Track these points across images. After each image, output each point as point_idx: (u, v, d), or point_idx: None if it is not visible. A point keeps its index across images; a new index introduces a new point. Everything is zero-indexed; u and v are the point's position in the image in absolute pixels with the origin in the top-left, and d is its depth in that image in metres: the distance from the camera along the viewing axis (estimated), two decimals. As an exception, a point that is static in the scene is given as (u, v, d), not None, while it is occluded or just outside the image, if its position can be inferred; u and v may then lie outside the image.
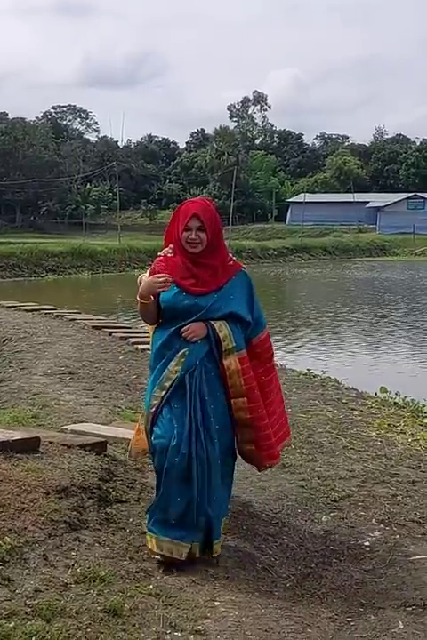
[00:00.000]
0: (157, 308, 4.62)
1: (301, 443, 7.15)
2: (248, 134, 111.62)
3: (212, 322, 4.49)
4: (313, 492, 5.91)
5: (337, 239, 68.25)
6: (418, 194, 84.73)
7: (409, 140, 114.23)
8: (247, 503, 5.65)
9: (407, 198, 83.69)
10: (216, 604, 4.17)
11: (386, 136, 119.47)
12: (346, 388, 10.38)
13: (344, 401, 9.39)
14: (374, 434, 7.74)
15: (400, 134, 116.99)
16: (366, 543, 5.07)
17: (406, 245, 68.63)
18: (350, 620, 4.11)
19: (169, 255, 4.64)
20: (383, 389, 10.34)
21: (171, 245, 4.67)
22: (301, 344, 18.56)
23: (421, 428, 8.30)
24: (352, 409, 8.94)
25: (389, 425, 8.16)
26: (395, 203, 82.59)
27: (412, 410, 9.37)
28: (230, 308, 4.52)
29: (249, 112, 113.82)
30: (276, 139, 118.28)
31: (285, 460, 6.52)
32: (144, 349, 12.26)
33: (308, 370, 11.87)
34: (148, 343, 13.20)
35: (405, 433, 7.90)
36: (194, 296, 4.49)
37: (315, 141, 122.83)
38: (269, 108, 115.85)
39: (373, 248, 66.84)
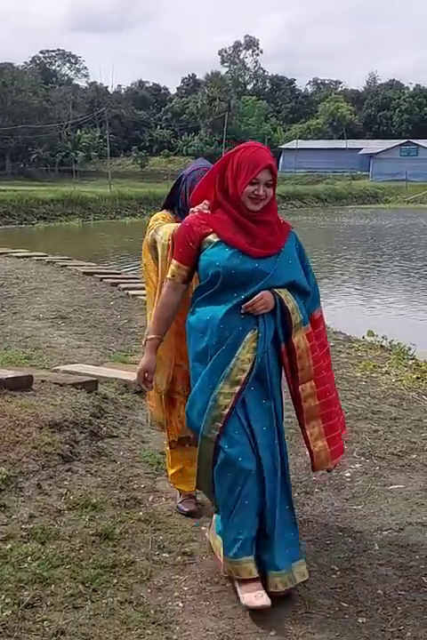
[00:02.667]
0: (187, 278, 3.83)
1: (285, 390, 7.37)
2: (240, 79, 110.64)
3: (276, 290, 3.67)
4: (298, 427, 6.12)
5: (330, 186, 68.21)
6: (411, 140, 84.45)
7: (403, 85, 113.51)
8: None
9: (400, 145, 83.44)
10: (203, 529, 4.42)
11: (379, 82, 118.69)
12: (334, 332, 10.60)
13: (332, 344, 9.58)
14: (359, 374, 7.99)
15: (394, 80, 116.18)
16: (348, 474, 5.33)
17: (398, 193, 68.64)
18: (328, 542, 4.37)
19: (205, 210, 3.82)
20: (371, 333, 10.58)
21: (205, 202, 3.85)
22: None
23: (405, 368, 8.55)
24: (339, 351, 9.19)
25: (374, 366, 8.41)
26: (388, 150, 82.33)
27: (397, 352, 9.60)
28: (292, 276, 3.72)
29: (241, 57, 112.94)
30: (268, 84, 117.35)
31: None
32: (135, 295, 12.48)
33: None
34: (141, 288, 13.44)
35: (389, 373, 8.15)
36: (254, 259, 3.63)
37: (308, 87, 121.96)
38: (261, 52, 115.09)
39: (365, 195, 66.84)
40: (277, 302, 3.65)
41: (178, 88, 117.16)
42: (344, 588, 3.88)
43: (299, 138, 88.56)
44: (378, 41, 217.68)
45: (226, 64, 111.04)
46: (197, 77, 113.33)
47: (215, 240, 3.67)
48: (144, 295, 12.44)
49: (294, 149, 79.85)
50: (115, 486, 4.82)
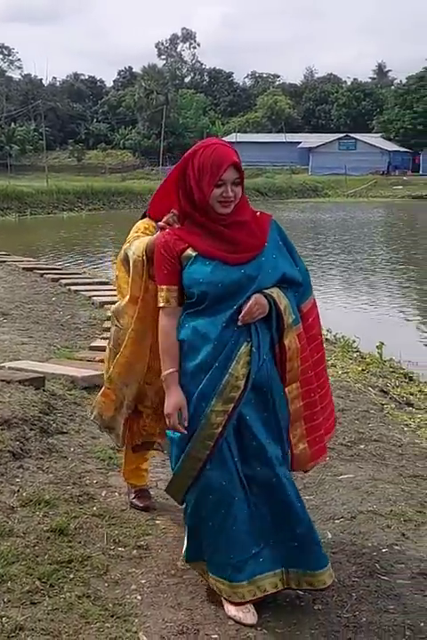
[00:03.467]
0: (180, 298, 3.54)
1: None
2: (177, 73, 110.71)
3: (266, 291, 3.46)
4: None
5: (270, 180, 68.64)
6: (350, 134, 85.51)
7: (340, 79, 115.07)
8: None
9: (339, 139, 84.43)
10: (157, 522, 4.49)
11: (317, 76, 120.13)
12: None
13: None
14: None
15: (331, 74, 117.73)
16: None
17: (338, 187, 69.43)
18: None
19: (175, 225, 3.58)
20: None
21: (172, 212, 3.62)
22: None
23: (350, 361, 8.74)
24: (285, 345, 9.28)
25: (320, 359, 8.53)
26: (327, 143, 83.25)
27: (343, 345, 9.80)
28: (281, 271, 3.51)
29: (178, 50, 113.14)
30: (206, 77, 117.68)
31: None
32: (77, 291, 12.45)
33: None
34: (83, 284, 13.41)
35: (335, 366, 8.32)
36: (239, 266, 3.42)
37: (246, 80, 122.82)
38: (199, 45, 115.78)
39: (305, 189, 67.45)
40: (271, 304, 3.44)
41: (114, 81, 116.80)
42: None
43: (238, 131, 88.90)
44: (315, 35, 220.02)
45: (163, 57, 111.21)
46: (134, 70, 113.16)
47: (193, 254, 3.43)
48: (87, 290, 12.47)
49: (233, 143, 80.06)
50: (67, 482, 4.84)
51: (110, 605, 3.61)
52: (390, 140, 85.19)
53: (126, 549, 4.15)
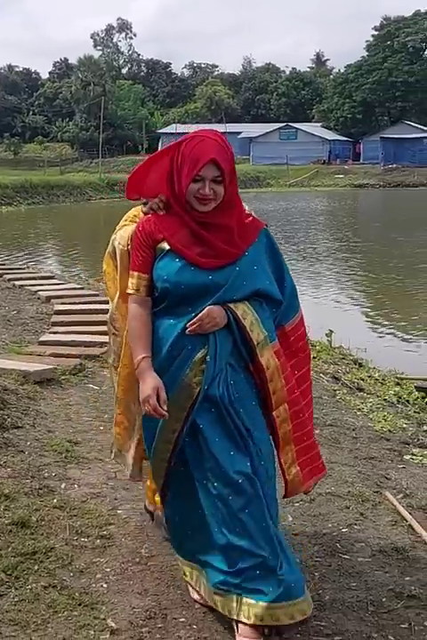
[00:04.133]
0: (150, 286, 3.39)
1: (187, 366, 7.55)
2: (114, 63, 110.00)
3: (231, 305, 3.27)
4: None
5: (211, 171, 68.70)
6: (290, 124, 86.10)
7: (279, 69, 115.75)
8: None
9: (280, 129, 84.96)
10: (119, 512, 4.54)
11: (255, 65, 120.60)
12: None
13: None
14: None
15: (270, 64, 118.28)
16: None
17: (280, 176, 69.92)
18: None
19: (160, 212, 3.37)
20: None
21: (160, 196, 3.38)
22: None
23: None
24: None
25: (271, 347, 8.65)
26: (267, 133, 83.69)
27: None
28: (256, 285, 3.30)
29: (114, 40, 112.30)
30: (143, 68, 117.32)
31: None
32: (22, 286, 12.38)
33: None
34: (27, 279, 13.33)
35: (286, 354, 8.41)
36: (208, 271, 3.25)
37: (184, 71, 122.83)
38: (135, 35, 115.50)
39: (247, 179, 67.64)
40: (230, 318, 3.25)
41: (50, 73, 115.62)
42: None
43: (177, 122, 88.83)
44: (252, 25, 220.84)
45: (99, 48, 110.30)
46: (70, 62, 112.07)
47: (166, 248, 3.29)
48: (32, 285, 12.41)
49: (173, 134, 79.99)
50: (26, 476, 4.86)
51: (77, 594, 3.66)
52: (330, 129, 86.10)
53: (89, 539, 4.20)
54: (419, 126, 76.74)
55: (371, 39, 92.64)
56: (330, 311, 14.42)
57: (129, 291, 3.41)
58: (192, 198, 3.23)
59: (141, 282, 3.38)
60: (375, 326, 13.67)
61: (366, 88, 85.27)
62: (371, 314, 14.95)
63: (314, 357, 8.45)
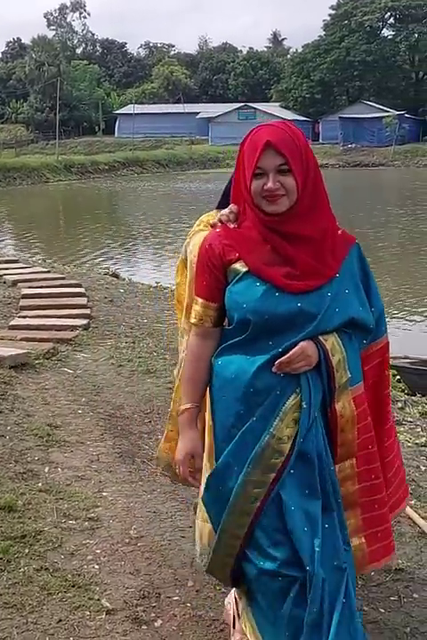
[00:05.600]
0: (219, 319, 2.81)
1: (162, 349, 7.64)
2: (68, 43, 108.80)
3: (321, 338, 2.68)
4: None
5: (170, 151, 68.53)
6: (248, 104, 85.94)
7: (236, 49, 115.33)
8: (119, 406, 6.06)
9: (238, 109, 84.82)
10: (104, 494, 4.59)
11: (212, 45, 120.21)
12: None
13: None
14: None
15: (226, 43, 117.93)
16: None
17: (239, 157, 69.86)
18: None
19: (230, 225, 2.79)
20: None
21: (232, 206, 2.85)
22: (141, 258, 19.00)
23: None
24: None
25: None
26: (226, 113, 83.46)
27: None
28: (348, 312, 2.72)
29: (68, 20, 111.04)
30: (98, 48, 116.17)
31: (149, 366, 6.98)
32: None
33: (156, 283, 12.37)
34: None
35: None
36: (296, 296, 2.64)
37: (140, 50, 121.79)
38: (89, 15, 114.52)
39: (206, 160, 67.60)
40: (322, 356, 2.67)
41: (3, 53, 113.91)
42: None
43: (134, 102, 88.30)
44: (208, 4, 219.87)
45: (53, 27, 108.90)
46: (23, 41, 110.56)
47: (243, 270, 2.67)
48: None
49: (130, 114, 79.61)
50: (9, 460, 4.89)
51: (69, 576, 3.71)
52: (288, 108, 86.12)
53: (78, 522, 4.24)
54: (377, 106, 77.10)
55: (328, 18, 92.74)
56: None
57: (192, 320, 2.82)
58: (260, 200, 2.66)
59: (208, 311, 2.78)
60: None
61: (324, 68, 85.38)
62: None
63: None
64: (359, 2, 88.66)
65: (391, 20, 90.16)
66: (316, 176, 2.71)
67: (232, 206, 2.84)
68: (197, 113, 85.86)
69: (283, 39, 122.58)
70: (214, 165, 66.55)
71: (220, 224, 2.81)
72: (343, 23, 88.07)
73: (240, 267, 2.69)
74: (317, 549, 2.62)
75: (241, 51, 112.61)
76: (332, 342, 2.70)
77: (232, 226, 2.78)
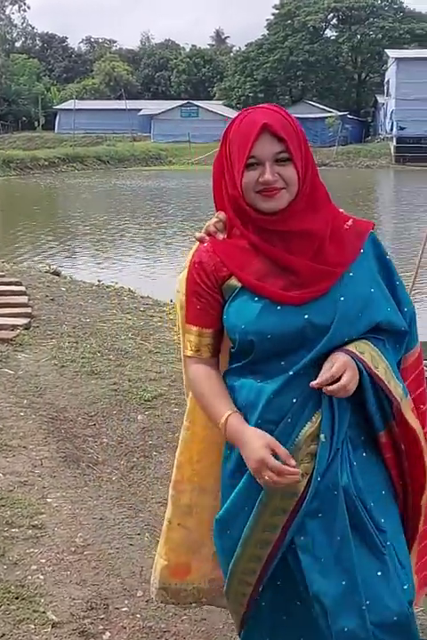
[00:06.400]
0: (217, 347, 2.42)
1: (106, 350, 7.50)
2: (7, 37, 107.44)
3: (352, 349, 2.23)
4: (126, 394, 6.26)
5: (111, 148, 67.98)
6: (191, 101, 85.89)
7: (179, 46, 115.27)
8: (63, 408, 5.93)
9: (181, 106, 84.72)
10: (48, 500, 4.46)
11: (154, 41, 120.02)
12: (142, 297, 10.82)
13: (142, 309, 9.82)
14: (176, 338, 8.20)
15: (169, 40, 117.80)
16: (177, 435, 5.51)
17: (182, 154, 69.72)
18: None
19: (219, 236, 2.37)
20: (178, 296, 10.85)
21: (218, 214, 2.41)
22: (83, 256, 18.80)
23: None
24: (151, 316, 9.40)
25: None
26: (168, 110, 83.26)
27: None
28: (374, 315, 2.27)
29: (7, 13, 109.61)
30: (38, 42, 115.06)
31: (93, 367, 6.86)
32: None
33: (99, 281, 12.23)
34: None
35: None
36: (300, 307, 2.23)
37: (81, 45, 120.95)
38: (29, 8, 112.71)
39: (148, 157, 67.26)
40: (363, 371, 2.22)
41: None
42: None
43: (75, 98, 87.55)
44: (150, 0, 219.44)
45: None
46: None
47: (238, 286, 2.29)
48: None
49: (70, 110, 78.83)
50: None
51: (13, 588, 3.58)
52: (232, 107, 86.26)
53: (21, 530, 4.11)
54: (320, 106, 77.71)
55: (271, 18, 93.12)
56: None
57: (187, 353, 2.42)
58: (253, 196, 2.24)
59: (203, 340, 2.39)
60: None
61: (267, 67, 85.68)
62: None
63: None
64: (302, 2, 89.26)
65: (334, 21, 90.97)
66: (313, 165, 2.34)
67: (220, 214, 2.40)
68: (139, 110, 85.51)
69: (226, 37, 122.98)
70: (157, 162, 66.33)
71: (207, 237, 2.39)
72: (287, 23, 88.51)
73: (236, 282, 2.29)
74: (343, 583, 2.23)
75: (184, 48, 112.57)
76: (368, 351, 2.25)
77: (221, 237, 2.37)
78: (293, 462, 2.18)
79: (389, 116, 65.50)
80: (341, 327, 2.22)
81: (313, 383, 2.18)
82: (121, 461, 5.14)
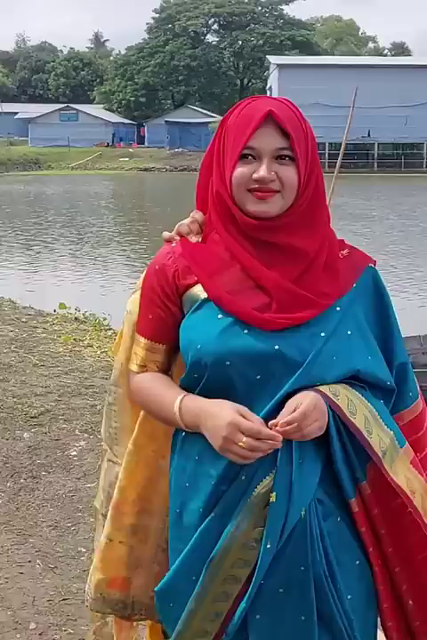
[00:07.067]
0: (168, 366, 2.12)
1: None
2: None
3: (324, 390, 1.88)
4: (10, 411, 6.03)
5: (-14, 153, 66.69)
6: (70, 105, 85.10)
7: (56, 48, 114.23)
8: None
9: (60, 110, 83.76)
10: None
11: (30, 43, 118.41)
12: (23, 307, 10.54)
13: (24, 320, 9.54)
14: (61, 349, 8.00)
15: (46, 42, 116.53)
16: (74, 453, 5.35)
17: (62, 159, 68.89)
18: (70, 525, 4.38)
19: (192, 238, 2.07)
20: (62, 305, 10.65)
21: (194, 213, 2.12)
22: None
23: (106, 340, 8.74)
24: (34, 327, 9.13)
25: (75, 340, 8.50)
26: (46, 114, 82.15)
27: (94, 324, 9.80)
28: (352, 363, 1.94)
29: None
30: None
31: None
32: None
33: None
34: None
35: (92, 346, 8.29)
36: (270, 333, 1.89)
37: None
38: None
39: (27, 162, 66.14)
40: (330, 415, 1.88)
41: None
42: (97, 569, 3.92)
43: None
44: (25, 1, 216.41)
45: None
46: None
47: (202, 297, 1.96)
48: None
49: None
50: None
51: None
52: (113, 111, 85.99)
53: None
54: (203, 111, 78.31)
55: (152, 21, 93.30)
56: (119, 297, 14.32)
57: (132, 367, 2.11)
58: (243, 195, 1.92)
59: (153, 355, 2.08)
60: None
61: (149, 71, 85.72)
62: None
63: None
64: (183, 6, 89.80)
65: (216, 27, 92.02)
66: (319, 171, 1.98)
67: (195, 213, 2.10)
68: (16, 113, 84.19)
69: (105, 40, 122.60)
70: (35, 167, 65.34)
71: (177, 238, 2.08)
72: (167, 27, 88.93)
73: (199, 292, 1.96)
74: None
75: (62, 50, 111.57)
76: (345, 394, 1.90)
77: (194, 239, 2.05)
78: (265, 431, 1.81)
79: (271, 121, 66.45)
80: (315, 367, 1.88)
81: (271, 423, 1.82)
82: (7, 483, 4.92)
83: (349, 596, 1.94)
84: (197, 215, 2.10)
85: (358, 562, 1.98)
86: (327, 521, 1.93)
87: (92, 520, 4.39)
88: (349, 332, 1.93)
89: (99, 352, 8.00)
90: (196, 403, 1.92)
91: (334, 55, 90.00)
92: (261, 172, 1.88)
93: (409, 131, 61.37)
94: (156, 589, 2.07)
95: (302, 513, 1.88)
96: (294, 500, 1.86)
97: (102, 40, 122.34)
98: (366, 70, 62.27)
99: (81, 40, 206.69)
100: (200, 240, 2.05)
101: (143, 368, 2.08)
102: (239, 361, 1.87)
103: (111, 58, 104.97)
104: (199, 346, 1.90)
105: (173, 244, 2.05)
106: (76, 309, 10.56)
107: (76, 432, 5.69)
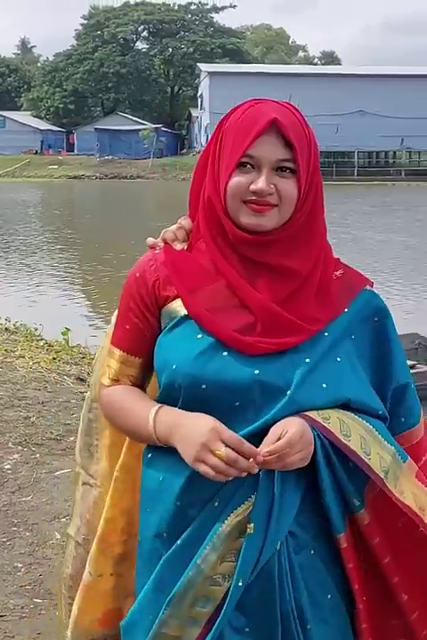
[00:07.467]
0: (142, 376, 2.01)
1: None
2: None
3: (312, 415, 1.78)
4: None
5: None
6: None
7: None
8: None
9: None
10: None
11: None
12: None
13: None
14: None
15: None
16: (7, 466, 5.26)
17: (-13, 166, 68.19)
18: (5, 540, 4.31)
19: (176, 245, 1.95)
20: (-8, 316, 10.51)
21: (181, 221, 2.02)
22: None
23: (38, 350, 8.65)
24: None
25: (6, 351, 8.39)
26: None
27: (25, 334, 9.68)
28: (342, 391, 1.82)
29: None
30: None
31: None
32: None
33: None
34: None
35: (24, 357, 8.18)
36: (251, 358, 1.79)
37: None
38: None
39: None
40: (318, 442, 1.76)
41: None
42: (34, 584, 3.88)
43: None
44: None
45: None
46: None
47: (181, 314, 1.86)
48: None
49: None
50: None
51: None
52: (41, 118, 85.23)
53: None
54: (133, 118, 78.06)
55: (80, 28, 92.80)
56: (57, 308, 14.21)
57: (104, 380, 2.02)
58: (238, 206, 1.81)
59: (126, 369, 1.98)
60: (99, 321, 13.51)
61: (78, 78, 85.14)
62: (92, 308, 14.99)
63: (54, 359, 8.26)
64: (112, 13, 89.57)
65: (145, 34, 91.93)
66: (319, 180, 1.87)
67: (182, 219, 2.00)
68: None
69: (32, 47, 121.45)
70: (-42, 175, 64.42)
71: (161, 244, 1.97)
72: (96, 34, 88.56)
73: (179, 307, 1.85)
74: None
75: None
76: (336, 417, 1.79)
77: (179, 247, 1.94)
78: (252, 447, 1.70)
79: (203, 129, 66.64)
80: (302, 395, 1.76)
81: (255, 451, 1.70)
82: None
83: (322, 630, 1.83)
84: (185, 221, 2.01)
85: (329, 596, 1.86)
86: (300, 554, 1.82)
87: (28, 534, 4.36)
88: (338, 359, 1.83)
89: (31, 363, 7.89)
90: (173, 413, 1.82)
91: (264, 63, 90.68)
92: (260, 183, 1.77)
93: (340, 139, 62.07)
94: (122, 624, 1.97)
95: (278, 547, 1.77)
96: (270, 533, 1.75)
97: (29, 46, 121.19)
98: (297, 79, 63.24)
99: (7, 46, 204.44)
100: (185, 248, 1.95)
101: (116, 382, 1.98)
102: (215, 386, 1.77)
103: (39, 64, 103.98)
104: (174, 366, 1.81)
105: (157, 251, 1.95)
106: (7, 320, 10.42)
107: (10, 445, 5.59)
